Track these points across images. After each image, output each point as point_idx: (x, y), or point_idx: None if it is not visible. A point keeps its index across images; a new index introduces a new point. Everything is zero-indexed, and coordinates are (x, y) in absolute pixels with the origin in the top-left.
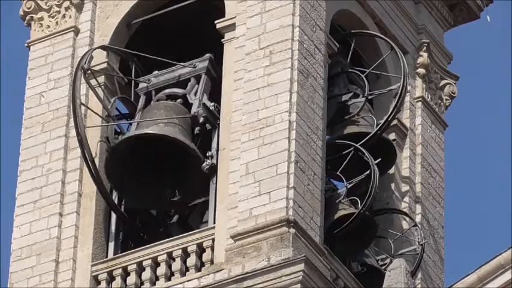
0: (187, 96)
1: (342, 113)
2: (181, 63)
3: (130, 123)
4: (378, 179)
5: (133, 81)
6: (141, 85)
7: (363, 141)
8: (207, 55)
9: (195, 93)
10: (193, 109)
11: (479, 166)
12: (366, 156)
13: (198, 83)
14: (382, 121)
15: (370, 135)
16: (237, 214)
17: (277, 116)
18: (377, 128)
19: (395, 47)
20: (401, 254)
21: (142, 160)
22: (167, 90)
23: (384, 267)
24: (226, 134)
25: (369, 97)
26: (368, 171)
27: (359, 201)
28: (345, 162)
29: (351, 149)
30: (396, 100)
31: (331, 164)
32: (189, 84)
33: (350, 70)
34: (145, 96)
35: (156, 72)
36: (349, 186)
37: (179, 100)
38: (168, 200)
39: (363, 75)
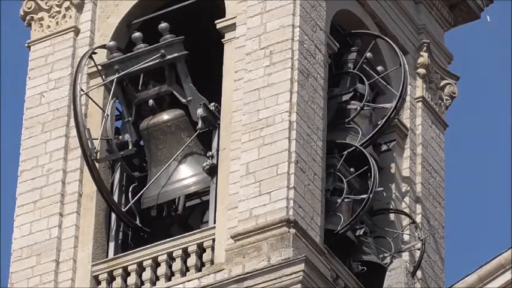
0: (174, 92)
1: (341, 114)
2: (144, 50)
3: (129, 120)
4: (374, 197)
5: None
6: (109, 72)
7: (361, 142)
8: (165, 31)
9: (178, 82)
10: (193, 114)
11: (479, 166)
12: (370, 167)
13: (173, 68)
14: (381, 121)
15: (350, 149)
16: (237, 214)
17: (277, 116)
18: (358, 144)
19: (403, 62)
20: (403, 250)
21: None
22: (150, 92)
23: (385, 266)
24: (226, 134)
25: (365, 108)
26: (365, 195)
27: (342, 218)
28: (357, 173)
29: (352, 149)
30: (383, 122)
31: (333, 163)
32: (166, 75)
33: (357, 72)
34: (120, 86)
35: (112, 44)
36: (346, 200)
37: (167, 99)
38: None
39: (367, 83)
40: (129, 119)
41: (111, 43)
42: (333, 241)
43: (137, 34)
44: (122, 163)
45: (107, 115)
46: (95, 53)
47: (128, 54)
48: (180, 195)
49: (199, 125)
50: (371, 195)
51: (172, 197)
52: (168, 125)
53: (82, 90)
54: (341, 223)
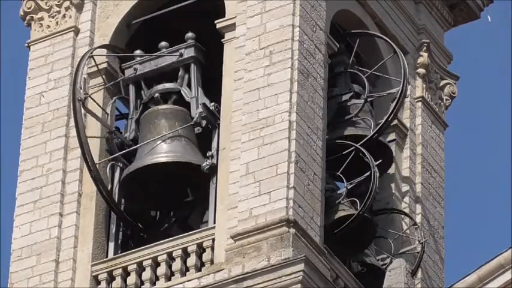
0: (182, 91)
1: (341, 113)
2: (165, 51)
3: (132, 117)
4: (378, 180)
5: (120, 72)
6: (128, 73)
7: (362, 141)
8: (191, 41)
9: (188, 86)
10: (193, 111)
11: (479, 166)
12: (367, 157)
13: (187, 72)
14: (380, 122)
15: (366, 138)
16: (237, 214)
17: (277, 116)
18: (373, 132)
19: (398, 50)
20: (402, 253)
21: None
22: (159, 87)
23: (384, 266)
24: (226, 134)
25: (368, 99)
26: (368, 173)
27: (358, 203)
28: (346, 163)
29: (352, 149)
30: (394, 105)
31: (332, 164)
32: (179, 75)
33: (351, 70)
34: (134, 86)
35: (138, 52)
36: (349, 187)
37: (174, 97)
38: (183, 201)
39: (363, 77)
40: (133, 116)
41: (138, 51)
42: (345, 230)
43: (164, 43)
44: (122, 161)
45: (113, 100)
46: (118, 53)
47: (148, 56)
48: (146, 163)
49: (196, 118)
50: (375, 169)
51: (140, 165)
52: (166, 112)
53: (89, 53)
54: (358, 205)
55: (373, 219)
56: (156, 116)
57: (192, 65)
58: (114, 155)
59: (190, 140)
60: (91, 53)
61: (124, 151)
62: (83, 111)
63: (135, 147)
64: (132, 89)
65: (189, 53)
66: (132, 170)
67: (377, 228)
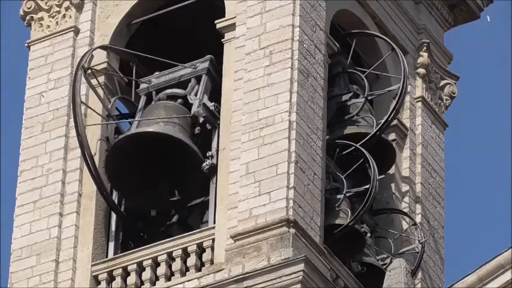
0: (188, 96)
1: (342, 113)
2: (182, 64)
3: (131, 123)
4: (377, 187)
5: (133, 81)
6: (142, 86)
7: (363, 141)
8: (208, 56)
9: (196, 94)
10: (194, 109)
11: (479, 166)
12: (366, 158)
13: (198, 83)
14: (382, 121)
15: (368, 136)
16: (237, 214)
17: (277, 116)
18: (376, 129)
19: (396, 48)
20: (402, 252)
21: (142, 159)
22: (168, 91)
23: (384, 266)
24: (226, 134)
25: (369, 97)
26: (368, 185)
27: (350, 213)
28: (352, 169)
29: (352, 148)
30: (396, 101)
31: (338, 163)
32: (189, 85)
33: (350, 70)
34: (145, 96)
35: (157, 73)
36: (347, 194)
37: (179, 100)
38: (168, 200)
39: (363, 76)
40: (137, 118)
41: (157, 72)
42: (338, 236)
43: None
44: None
45: (114, 100)
46: (134, 58)
47: (164, 71)
48: (133, 132)
49: (194, 112)
50: (375, 183)
51: (125, 135)
52: (166, 106)
53: (86, 66)
54: (349, 216)
55: (363, 231)
56: (156, 107)
57: (204, 76)
58: (105, 122)
59: (185, 130)
60: (89, 55)
61: (114, 121)
62: (82, 110)
63: (127, 120)
64: (143, 98)
65: (203, 65)
66: (120, 138)
67: (366, 239)
